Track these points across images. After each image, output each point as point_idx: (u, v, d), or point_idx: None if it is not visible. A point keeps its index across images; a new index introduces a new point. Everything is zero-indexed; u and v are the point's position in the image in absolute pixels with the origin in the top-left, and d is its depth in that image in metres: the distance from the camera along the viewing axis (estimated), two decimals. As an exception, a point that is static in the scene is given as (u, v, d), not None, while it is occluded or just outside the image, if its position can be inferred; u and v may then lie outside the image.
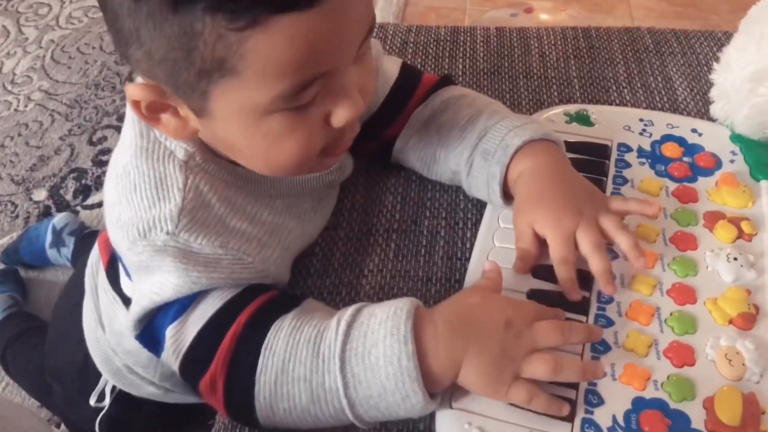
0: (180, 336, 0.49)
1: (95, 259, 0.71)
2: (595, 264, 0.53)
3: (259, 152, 0.48)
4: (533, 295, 0.55)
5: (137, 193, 0.49)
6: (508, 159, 0.58)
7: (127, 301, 0.59)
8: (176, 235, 0.47)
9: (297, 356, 0.46)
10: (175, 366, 0.50)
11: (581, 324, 0.51)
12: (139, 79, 0.48)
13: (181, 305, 0.49)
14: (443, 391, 0.48)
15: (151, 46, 0.42)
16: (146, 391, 0.74)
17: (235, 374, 0.47)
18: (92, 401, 0.77)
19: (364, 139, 0.55)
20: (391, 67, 0.66)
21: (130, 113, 0.51)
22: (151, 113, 0.47)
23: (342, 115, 0.47)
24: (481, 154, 0.60)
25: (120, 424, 0.80)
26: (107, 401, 0.77)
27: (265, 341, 0.47)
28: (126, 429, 0.81)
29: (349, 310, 0.47)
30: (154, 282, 0.49)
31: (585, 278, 0.54)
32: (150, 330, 0.51)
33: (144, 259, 0.49)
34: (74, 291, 0.78)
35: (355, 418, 0.46)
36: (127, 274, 0.56)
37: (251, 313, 0.48)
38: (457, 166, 0.62)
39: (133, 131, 0.50)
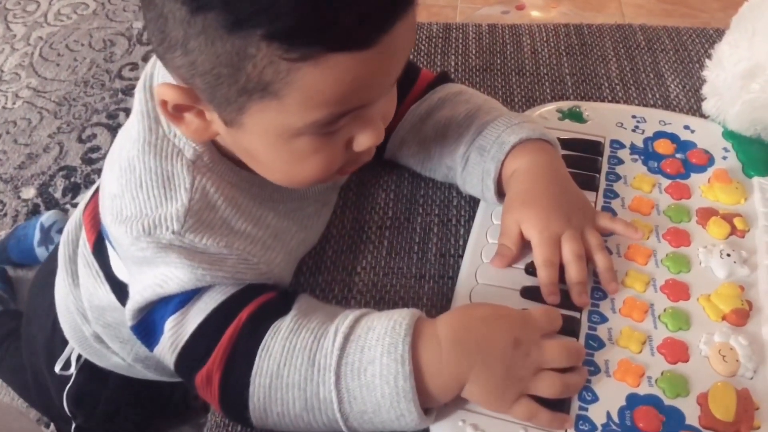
0: (180, 328, 0.48)
1: (73, 228, 0.70)
2: (573, 274, 0.54)
3: (281, 167, 0.49)
4: (527, 292, 0.55)
5: (143, 190, 0.48)
6: (503, 156, 0.58)
7: (113, 281, 0.60)
8: (182, 235, 0.47)
9: (292, 362, 0.46)
10: (171, 359, 0.49)
11: (582, 347, 0.51)
12: (168, 77, 0.47)
13: (184, 297, 0.49)
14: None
15: (197, 57, 0.41)
16: (110, 362, 0.74)
17: (231, 373, 0.47)
18: (57, 368, 0.77)
19: None
20: None
21: (138, 105, 0.51)
22: (176, 112, 0.47)
23: (364, 142, 0.48)
24: (477, 150, 0.59)
25: (86, 398, 0.80)
26: (73, 370, 0.78)
27: (262, 342, 0.46)
28: (92, 404, 0.81)
29: (347, 320, 0.47)
30: (158, 274, 0.49)
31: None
32: (147, 321, 0.51)
33: (148, 255, 0.48)
34: (50, 262, 0.78)
35: (348, 429, 0.46)
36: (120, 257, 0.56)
37: (252, 311, 0.48)
38: (452, 161, 0.61)
39: (141, 124, 0.50)
